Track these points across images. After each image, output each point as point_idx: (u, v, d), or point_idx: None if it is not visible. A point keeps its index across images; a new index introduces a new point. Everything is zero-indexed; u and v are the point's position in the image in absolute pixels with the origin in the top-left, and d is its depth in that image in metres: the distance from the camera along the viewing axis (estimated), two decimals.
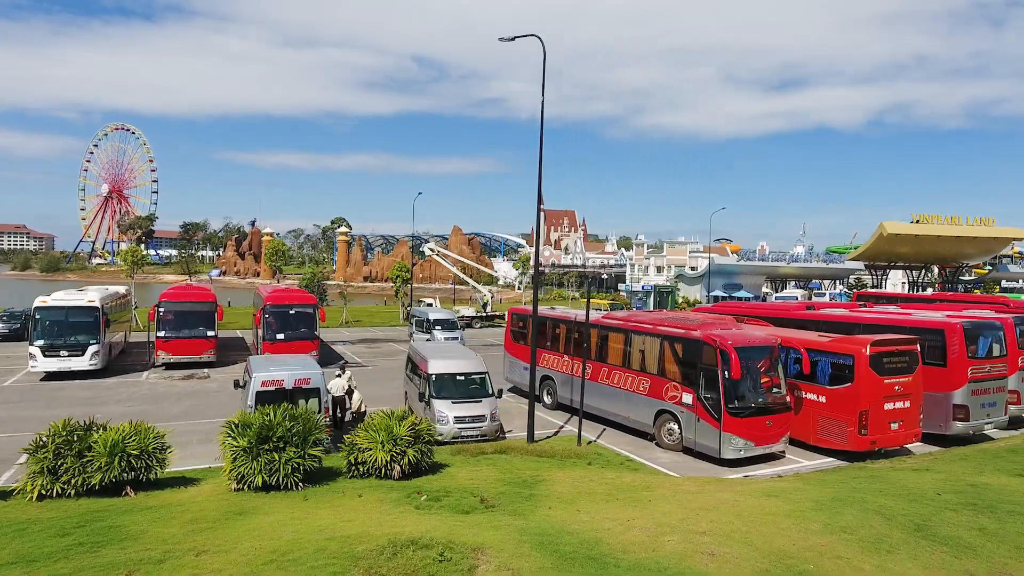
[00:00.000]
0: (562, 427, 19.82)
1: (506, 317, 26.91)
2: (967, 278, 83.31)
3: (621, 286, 78.94)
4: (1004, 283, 76.98)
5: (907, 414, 16.47)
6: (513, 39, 17.30)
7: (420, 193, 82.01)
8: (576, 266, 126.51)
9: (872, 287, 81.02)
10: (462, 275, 49.21)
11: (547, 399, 22.50)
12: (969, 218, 75.46)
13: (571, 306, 61.70)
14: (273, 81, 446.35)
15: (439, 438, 16.80)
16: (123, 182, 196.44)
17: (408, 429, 12.06)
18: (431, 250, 49.16)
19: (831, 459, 16.55)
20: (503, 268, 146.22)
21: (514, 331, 24.91)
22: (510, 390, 24.97)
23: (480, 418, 17.19)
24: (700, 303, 63.50)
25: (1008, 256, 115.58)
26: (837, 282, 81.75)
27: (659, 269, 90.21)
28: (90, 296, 27.70)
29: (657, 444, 17.46)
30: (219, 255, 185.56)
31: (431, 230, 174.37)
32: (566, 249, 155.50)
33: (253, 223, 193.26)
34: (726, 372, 15.55)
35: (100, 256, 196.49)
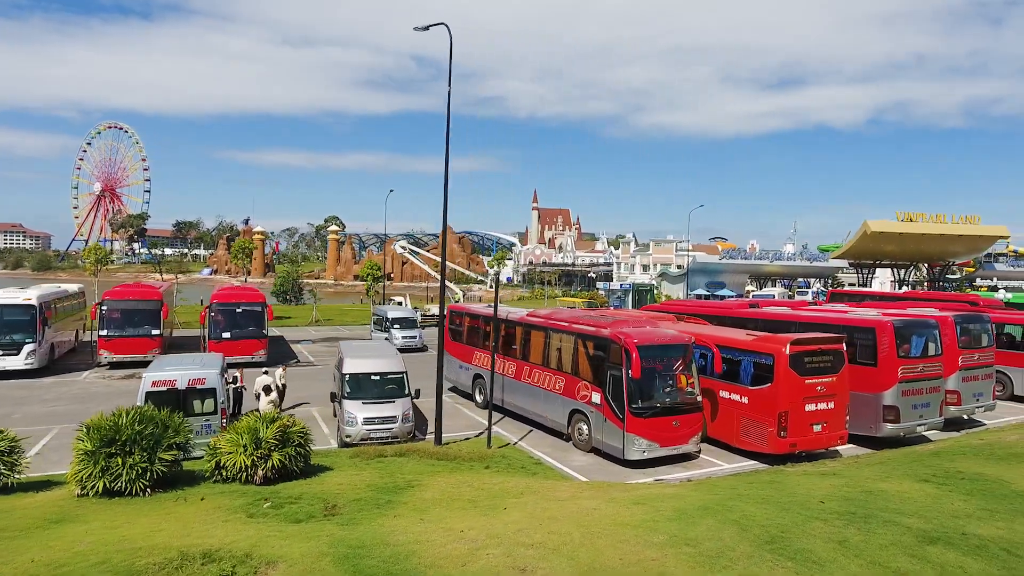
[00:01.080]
0: (489, 429, 19.21)
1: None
2: (955, 276, 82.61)
3: (600, 284, 78.30)
4: (978, 280, 76.22)
5: (831, 416, 15.85)
6: (427, 28, 16.82)
7: (392, 191, 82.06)
8: (567, 264, 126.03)
9: (860, 285, 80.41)
10: (434, 273, 48.54)
11: (479, 398, 22.11)
12: (955, 216, 74.81)
13: (546, 305, 61.11)
14: (272, 80, 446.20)
15: (347, 440, 16.29)
16: (116, 181, 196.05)
17: (276, 432, 11.48)
18: (402, 248, 48.60)
19: (752, 462, 15.98)
20: (495, 267, 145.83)
21: (451, 329, 24.36)
22: (450, 389, 24.48)
23: (391, 419, 16.60)
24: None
25: (1003, 254, 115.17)
26: (826, 281, 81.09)
27: (645, 267, 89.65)
28: (27, 295, 27.18)
29: (574, 445, 16.99)
30: (211, 254, 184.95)
31: (426, 228, 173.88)
32: (560, 248, 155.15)
33: (246, 222, 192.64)
34: (629, 371, 15.10)
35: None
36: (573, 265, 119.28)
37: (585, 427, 16.59)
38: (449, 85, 15.93)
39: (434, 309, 49.41)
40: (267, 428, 11.37)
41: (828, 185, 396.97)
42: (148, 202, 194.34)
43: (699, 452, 16.33)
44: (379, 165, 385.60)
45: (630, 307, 56.55)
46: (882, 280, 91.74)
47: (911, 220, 73.29)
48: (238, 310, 29.28)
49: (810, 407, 15.55)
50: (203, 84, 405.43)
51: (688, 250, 78.65)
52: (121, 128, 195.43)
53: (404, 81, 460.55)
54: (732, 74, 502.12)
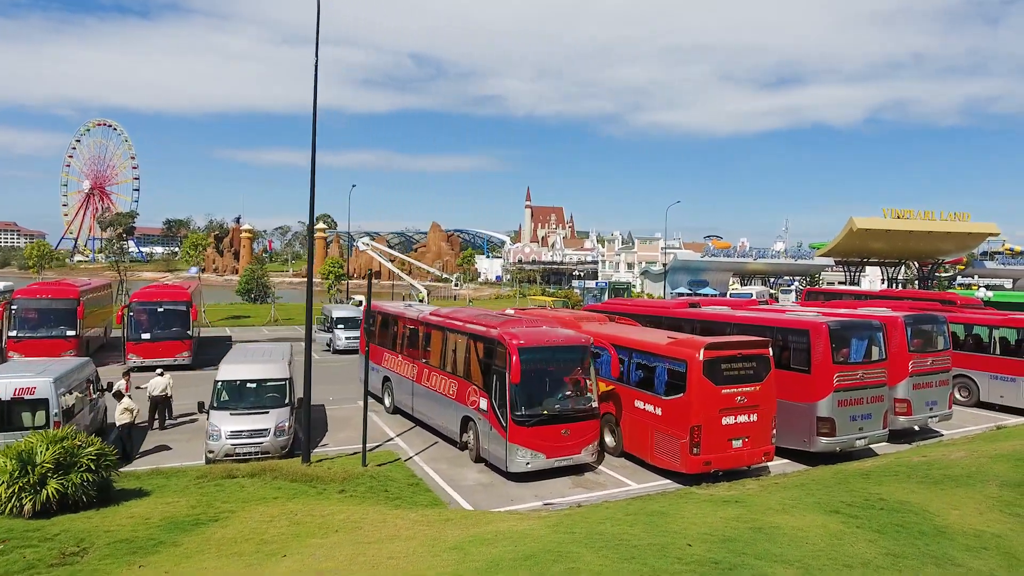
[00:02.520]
0: (391, 439, 17.42)
1: None
2: (946, 274, 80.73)
3: (575, 283, 76.47)
4: (960, 279, 74.30)
5: (754, 429, 14.01)
6: None
7: (354, 186, 79.37)
8: (555, 263, 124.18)
9: (850, 284, 78.50)
10: (398, 271, 46.88)
11: (387, 402, 20.64)
12: (943, 213, 72.89)
13: (518, 304, 59.19)
14: (270, 79, 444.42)
15: (210, 456, 14.49)
16: (105, 179, 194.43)
17: (57, 453, 9.66)
18: (365, 244, 46.91)
19: (666, 481, 14.18)
20: (484, 265, 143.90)
21: (367, 330, 22.58)
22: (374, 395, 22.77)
23: (261, 433, 14.77)
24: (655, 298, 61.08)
25: (999, 252, 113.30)
26: (813, 278, 79.17)
27: (630, 265, 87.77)
28: None
29: (470, 457, 15.38)
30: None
31: (420, 227, 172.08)
32: (553, 246, 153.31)
33: (238, 220, 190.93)
34: (509, 374, 13.68)
35: (82, 253, 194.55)
36: (561, 263, 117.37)
37: (475, 436, 15.12)
38: (316, 57, 14.05)
39: None
40: (46, 449, 9.56)
41: (826, 184, 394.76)
42: (137, 200, 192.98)
43: (596, 462, 14.94)
44: (378, 163, 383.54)
45: None
46: (872, 278, 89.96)
47: (898, 216, 71.45)
48: (159, 309, 27.50)
49: (728, 420, 13.71)
50: (202, 83, 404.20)
51: (664, 248, 76.79)
52: (110, 126, 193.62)
53: (403, 80, 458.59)
54: (730, 73, 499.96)
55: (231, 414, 14.88)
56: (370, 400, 21.78)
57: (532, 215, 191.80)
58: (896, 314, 17.71)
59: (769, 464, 15.49)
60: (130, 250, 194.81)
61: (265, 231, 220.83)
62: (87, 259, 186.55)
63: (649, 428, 14.59)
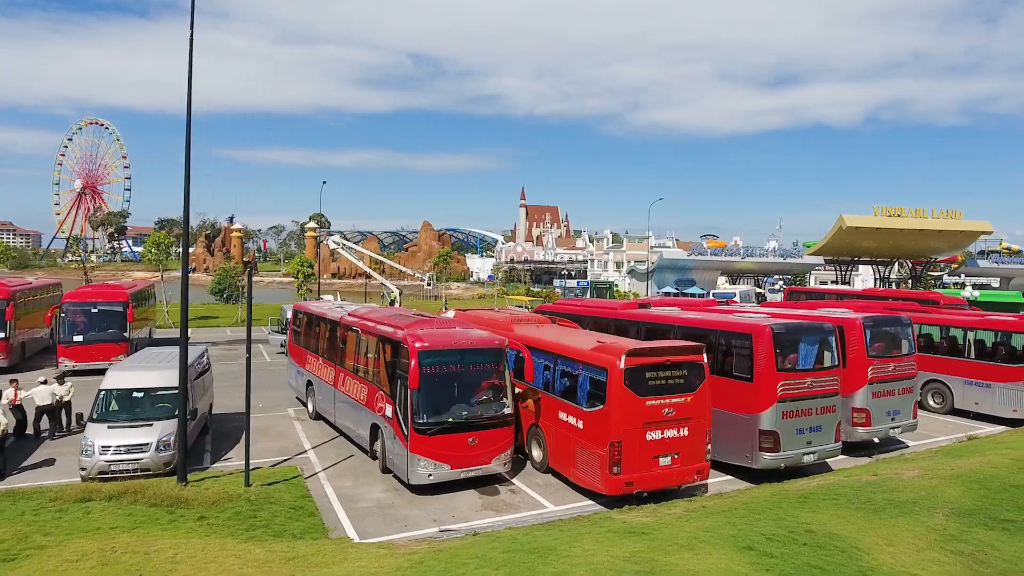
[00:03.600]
0: (304, 451, 15.98)
1: None
2: (937, 273, 79.24)
3: (556, 282, 74.96)
4: (946, 278, 72.76)
5: (685, 445, 12.55)
6: None
7: (324, 183, 78.95)
8: (547, 262, 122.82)
9: (841, 283, 77.00)
10: (368, 270, 45.48)
11: (310, 407, 19.39)
12: (935, 210, 71.40)
13: (496, 304, 57.73)
14: (269, 78, 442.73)
15: (83, 473, 13.06)
16: (97, 178, 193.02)
17: None
18: (335, 243, 45.50)
19: (589, 502, 12.76)
20: (476, 264, 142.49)
21: (293, 331, 21.27)
22: (296, 398, 21.45)
23: (140, 448, 13.31)
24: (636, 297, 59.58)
25: (996, 251, 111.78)
26: (795, 278, 77.65)
27: (618, 264, 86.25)
28: None
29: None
30: (192, 251, 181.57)
31: (415, 226, 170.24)
32: (545, 245, 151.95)
33: (231, 219, 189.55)
34: (415, 379, 12.65)
35: (73, 253, 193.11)
36: (551, 263, 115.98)
37: (382, 445, 14.09)
38: (191, 28, 12.58)
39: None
40: None
41: (826, 183, 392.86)
42: (129, 200, 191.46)
43: (507, 471, 13.90)
44: (377, 163, 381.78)
45: None
46: (865, 277, 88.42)
47: (889, 214, 69.96)
48: (93, 310, 26.10)
49: (654, 435, 12.26)
50: (200, 82, 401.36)
51: (652, 247, 75.43)
52: (102, 124, 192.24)
53: (401, 79, 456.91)
54: (730, 72, 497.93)
55: (109, 427, 13.45)
56: (298, 407, 20.56)
57: (527, 214, 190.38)
58: (854, 316, 16.24)
59: (708, 482, 14.06)
60: (123, 249, 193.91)
61: (260, 230, 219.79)
62: (78, 259, 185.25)
63: (572, 442, 13.16)
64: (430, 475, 12.83)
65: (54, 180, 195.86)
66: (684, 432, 12.52)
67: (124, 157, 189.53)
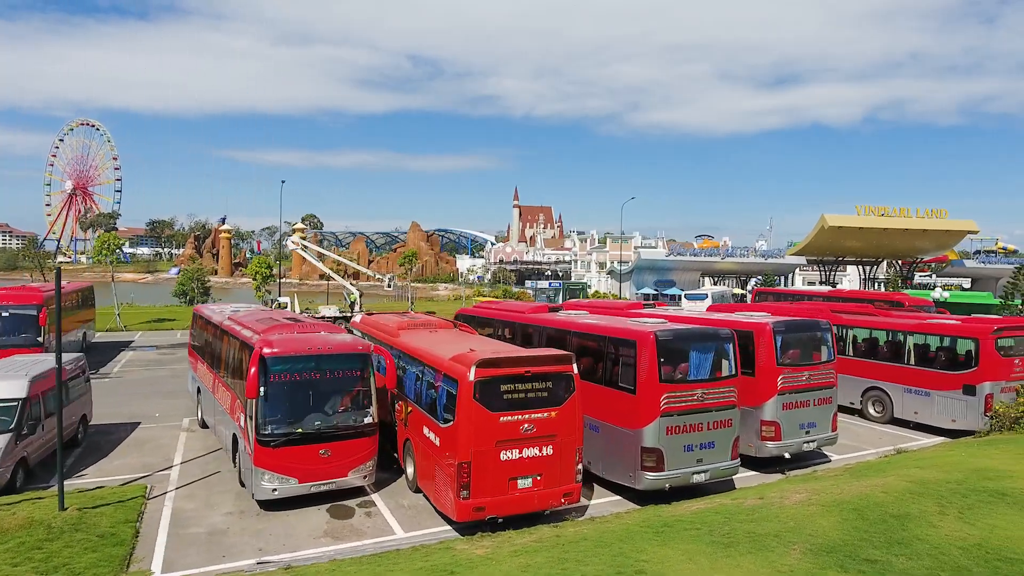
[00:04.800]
0: (169, 467, 14.76)
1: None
2: (927, 274, 77.87)
3: (528, 283, 73.58)
4: (917, 278, 71.35)
5: (548, 465, 11.32)
6: None
7: (284, 182, 77.34)
8: (535, 263, 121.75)
9: (826, 283, 75.66)
10: (328, 271, 44.31)
11: (199, 415, 18.38)
12: (919, 210, 70.06)
13: (469, 305, 56.42)
14: (268, 79, 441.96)
15: None
16: (87, 179, 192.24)
17: None
18: (294, 243, 44.36)
19: (445, 528, 11.54)
20: (466, 265, 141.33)
21: (191, 335, 20.12)
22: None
23: None
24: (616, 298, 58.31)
25: (992, 251, 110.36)
26: (784, 278, 76.27)
27: (601, 265, 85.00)
28: None
29: None
30: (180, 253, 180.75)
31: (405, 227, 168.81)
32: (534, 245, 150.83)
33: (223, 220, 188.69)
34: (261, 387, 11.85)
35: (65, 254, 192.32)
36: (538, 263, 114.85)
37: (239, 457, 13.24)
38: None
39: (325, 311, 44.96)
40: None
41: (826, 183, 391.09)
42: (119, 201, 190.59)
43: (370, 484, 13.16)
44: (377, 163, 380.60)
45: None
46: (852, 278, 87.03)
47: (871, 213, 68.62)
48: (3, 314, 24.90)
49: (509, 454, 11.02)
50: (199, 83, 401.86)
51: (637, 247, 74.16)
52: (93, 125, 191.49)
53: (400, 80, 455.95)
54: (729, 72, 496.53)
55: None
56: (195, 417, 19.36)
57: (520, 215, 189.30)
58: (764, 321, 14.97)
59: (594, 503, 12.87)
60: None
61: (253, 232, 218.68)
62: (69, 260, 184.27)
63: (432, 461, 11.96)
64: (275, 490, 11.97)
65: (45, 181, 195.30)
66: (548, 451, 11.28)
67: (115, 159, 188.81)
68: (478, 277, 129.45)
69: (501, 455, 10.93)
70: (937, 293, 36.95)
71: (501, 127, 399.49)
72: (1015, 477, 11.07)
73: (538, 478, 11.24)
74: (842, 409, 20.76)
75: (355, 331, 18.59)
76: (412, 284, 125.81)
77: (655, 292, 67.38)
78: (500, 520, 11.15)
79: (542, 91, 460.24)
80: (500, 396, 10.97)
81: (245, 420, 12.46)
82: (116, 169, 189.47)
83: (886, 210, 69.73)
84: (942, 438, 17.71)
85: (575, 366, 11.67)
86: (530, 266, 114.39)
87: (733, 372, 13.12)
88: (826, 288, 51.57)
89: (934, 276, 71.98)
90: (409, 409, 13.38)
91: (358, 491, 13.15)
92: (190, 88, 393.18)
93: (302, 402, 12.39)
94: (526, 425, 11.08)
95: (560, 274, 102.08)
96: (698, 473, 12.61)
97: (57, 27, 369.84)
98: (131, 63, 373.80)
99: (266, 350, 12.21)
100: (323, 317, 43.72)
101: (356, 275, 69.57)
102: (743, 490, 12.63)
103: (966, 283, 66.13)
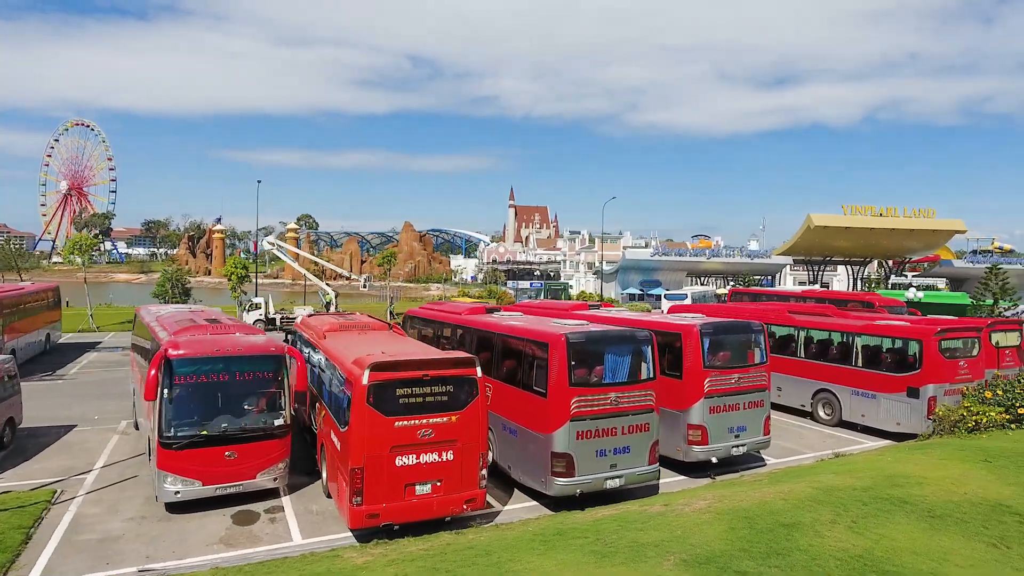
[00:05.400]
0: (90, 470, 14.54)
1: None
2: (912, 273, 77.47)
3: (510, 283, 73.32)
4: (894, 279, 70.84)
5: (449, 471, 11.06)
6: None
7: (260, 182, 76.16)
8: (527, 263, 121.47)
9: (814, 283, 75.35)
10: (304, 271, 44.08)
11: (135, 417, 18.25)
12: (906, 209, 69.77)
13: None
14: (268, 80, 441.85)
15: None
16: (82, 179, 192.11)
17: None
18: (270, 244, 44.13)
19: (347, 535, 11.26)
20: (461, 265, 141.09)
21: (133, 335, 19.94)
22: None
23: None
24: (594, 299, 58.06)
25: (988, 251, 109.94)
26: (771, 278, 75.90)
27: (589, 265, 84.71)
28: None
29: None
30: (174, 252, 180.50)
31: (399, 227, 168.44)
32: (528, 246, 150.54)
33: (219, 220, 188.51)
34: (165, 390, 11.83)
35: (60, 254, 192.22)
36: (530, 263, 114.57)
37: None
38: None
39: (299, 311, 44.71)
40: None
41: (825, 182, 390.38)
42: (114, 202, 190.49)
43: (282, 486, 13.00)
44: (377, 163, 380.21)
45: None
46: (842, 278, 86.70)
47: (859, 213, 68.34)
48: None
49: (406, 460, 10.76)
50: (198, 83, 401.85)
51: (625, 247, 73.86)
52: (88, 126, 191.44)
53: (400, 80, 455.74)
54: (728, 72, 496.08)
55: None
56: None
57: (516, 215, 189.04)
58: (691, 323, 14.69)
59: (508, 508, 12.60)
60: (108, 250, 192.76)
61: (250, 232, 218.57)
62: (63, 261, 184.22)
63: (335, 465, 11.73)
64: (178, 492, 11.88)
65: (40, 181, 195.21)
66: (448, 456, 11.03)
67: (110, 159, 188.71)
68: (472, 277, 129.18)
69: (397, 460, 10.68)
70: (911, 293, 36.66)
71: (500, 127, 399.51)
72: (925, 484, 10.80)
73: (438, 484, 10.99)
74: (794, 411, 20.68)
75: (298, 332, 18.44)
76: (405, 284, 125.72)
77: (641, 292, 67.13)
78: (396, 527, 10.91)
79: (541, 92, 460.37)
80: (396, 400, 10.72)
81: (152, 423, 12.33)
82: (111, 170, 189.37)
83: (872, 209, 69.47)
84: (888, 441, 17.45)
85: (478, 369, 11.40)
86: (522, 266, 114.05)
87: (651, 375, 12.85)
88: (800, 288, 51.28)
89: (910, 276, 71.60)
90: (323, 412, 13.19)
91: (271, 495, 12.95)
92: (190, 88, 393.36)
93: (208, 404, 12.26)
94: (424, 430, 10.82)
95: (552, 274, 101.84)
96: (612, 479, 12.34)
97: (57, 27, 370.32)
98: (131, 63, 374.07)
99: (171, 352, 12.14)
100: (294, 318, 43.58)
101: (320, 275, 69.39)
102: (653, 497, 12.31)
103: (941, 283, 65.74)
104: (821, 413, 19.73)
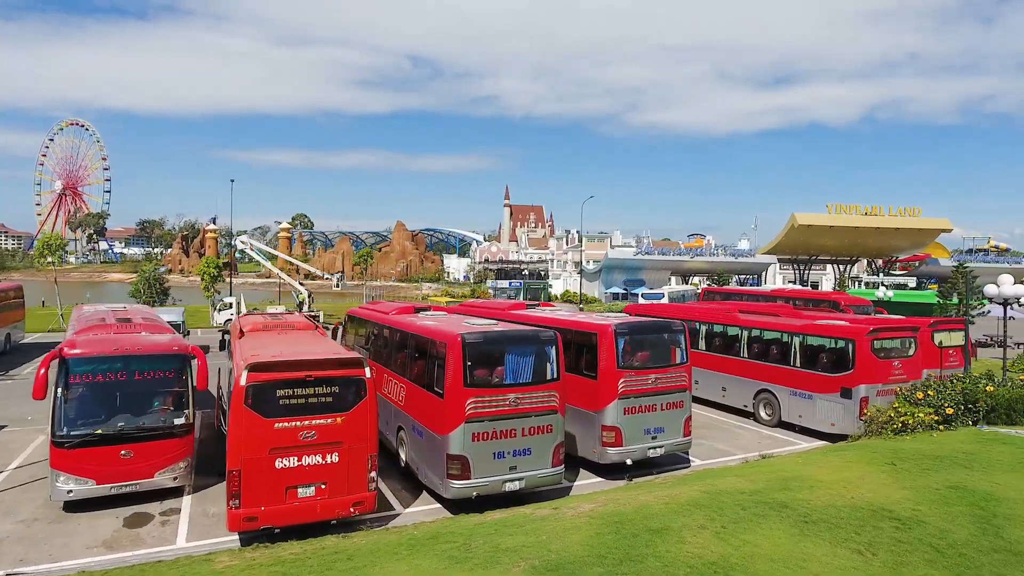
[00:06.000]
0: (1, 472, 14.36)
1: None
2: (902, 272, 77.22)
3: (488, 283, 73.07)
4: (865, 278, 70.65)
5: (334, 473, 10.88)
6: None
7: (232, 181, 74.69)
8: (516, 262, 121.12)
9: (799, 282, 75.13)
10: (276, 270, 43.93)
11: None
12: (891, 208, 69.58)
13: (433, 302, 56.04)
14: (268, 80, 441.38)
15: None
16: (77, 179, 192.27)
17: None
18: (242, 243, 44.01)
19: (233, 537, 11.08)
20: (453, 264, 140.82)
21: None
22: None
23: None
24: (573, 298, 57.92)
25: (984, 250, 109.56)
26: (756, 277, 75.68)
27: (576, 264, 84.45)
28: None
29: None
30: (168, 252, 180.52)
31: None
32: (519, 245, 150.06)
33: (214, 220, 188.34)
34: (60, 388, 11.93)
35: (53, 254, 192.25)
36: (520, 263, 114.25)
37: None
38: None
39: (272, 310, 44.57)
40: None
41: (824, 182, 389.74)
42: (108, 202, 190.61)
43: (187, 485, 13.09)
44: (375, 164, 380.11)
45: None
46: (831, 276, 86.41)
47: (843, 212, 68.14)
48: None
49: (286, 462, 10.58)
50: (198, 83, 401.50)
51: (619, 246, 73.67)
52: (82, 125, 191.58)
53: (400, 80, 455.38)
54: (728, 72, 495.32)
55: None
56: None
57: (511, 214, 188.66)
58: (606, 323, 14.49)
59: (410, 511, 12.41)
60: (103, 249, 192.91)
61: (245, 231, 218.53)
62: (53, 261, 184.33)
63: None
64: (71, 491, 11.84)
65: (35, 181, 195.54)
66: (333, 458, 10.85)
67: (104, 159, 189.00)
68: (465, 276, 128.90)
69: (277, 463, 10.50)
70: (881, 292, 36.42)
71: (500, 127, 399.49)
72: (816, 488, 10.59)
73: (322, 487, 10.81)
74: (738, 412, 20.49)
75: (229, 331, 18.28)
76: (397, 284, 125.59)
77: (624, 291, 66.94)
78: (277, 531, 10.73)
79: (541, 92, 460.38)
80: (276, 401, 10.55)
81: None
82: (105, 169, 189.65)
83: (858, 208, 69.27)
84: (823, 442, 17.24)
85: (367, 370, 11.23)
86: (513, 265, 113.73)
87: (556, 376, 12.65)
88: (770, 288, 51.03)
89: (881, 275, 71.30)
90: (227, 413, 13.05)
91: (174, 495, 12.82)
92: (190, 88, 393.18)
93: (104, 403, 12.29)
94: (306, 432, 10.65)
95: (543, 273, 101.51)
96: (511, 482, 12.15)
97: (57, 27, 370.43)
98: (130, 63, 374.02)
99: (66, 351, 12.28)
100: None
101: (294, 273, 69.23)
102: (547, 502, 12.05)
103: (912, 282, 65.51)
104: (762, 414, 19.54)
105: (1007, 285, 18.26)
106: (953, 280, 36.92)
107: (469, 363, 11.91)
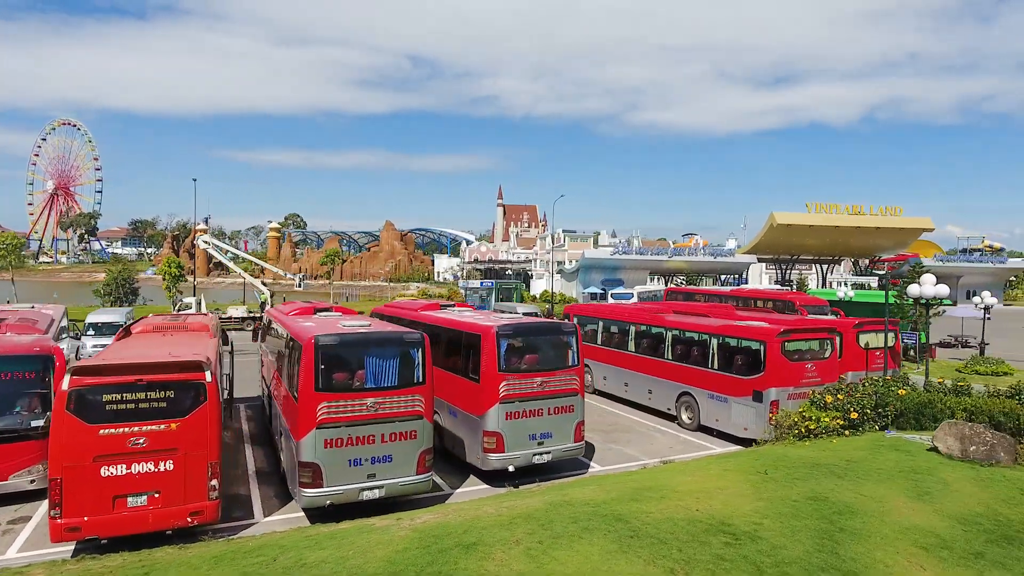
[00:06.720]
0: None
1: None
2: (881, 272, 76.62)
3: (460, 283, 72.56)
4: (851, 279, 70.03)
5: (169, 481, 10.41)
6: None
7: (195, 180, 73.67)
8: (502, 261, 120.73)
9: (781, 282, 74.58)
10: (238, 269, 43.51)
11: None
12: (872, 207, 69.02)
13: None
14: (268, 80, 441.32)
15: None
16: (69, 179, 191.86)
17: None
18: (205, 243, 43.62)
19: (69, 548, 10.62)
20: (444, 264, 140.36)
21: None
22: None
23: None
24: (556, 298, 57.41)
25: (979, 250, 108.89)
26: (737, 277, 75.09)
27: (559, 263, 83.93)
28: None
29: None
30: (157, 253, 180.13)
31: (398, 227, 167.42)
32: (510, 244, 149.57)
33: (207, 220, 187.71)
34: None
35: (47, 253, 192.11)
36: (506, 262, 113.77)
37: None
38: None
39: (233, 311, 44.20)
40: None
41: (824, 182, 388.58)
42: (100, 202, 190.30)
43: (41, 488, 12.03)
44: (375, 163, 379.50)
45: (492, 306, 51.20)
46: (814, 276, 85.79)
47: (823, 211, 67.57)
48: None
49: (114, 470, 10.12)
50: (198, 83, 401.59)
51: (603, 244, 73.07)
52: (74, 125, 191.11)
53: (399, 80, 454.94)
54: (728, 72, 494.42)
55: None
56: None
57: (504, 213, 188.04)
58: (489, 324, 14.02)
59: (261, 520, 11.93)
60: (96, 249, 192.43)
61: (240, 231, 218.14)
62: (51, 260, 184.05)
63: None
64: None
65: (28, 180, 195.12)
66: (168, 466, 10.38)
67: (96, 159, 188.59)
68: (454, 276, 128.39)
69: (102, 471, 10.04)
70: (842, 292, 35.89)
71: (500, 127, 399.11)
72: (666, 498, 10.06)
73: (155, 496, 10.35)
74: (661, 415, 20.00)
75: None
76: (384, 283, 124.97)
77: (602, 291, 66.40)
78: (104, 541, 10.29)
79: (541, 92, 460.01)
80: (102, 407, 10.09)
81: None
82: (97, 170, 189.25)
83: (838, 207, 68.70)
84: (737, 447, 16.76)
85: (208, 374, 10.76)
86: (500, 265, 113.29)
87: (420, 379, 12.18)
88: (728, 288, 50.47)
89: (849, 276, 70.73)
90: None
91: (38, 498, 12.31)
92: (189, 88, 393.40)
93: None
94: (135, 439, 10.18)
95: (530, 273, 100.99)
96: (369, 490, 11.67)
97: (56, 27, 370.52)
98: (130, 63, 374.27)
99: None
100: (229, 317, 43.09)
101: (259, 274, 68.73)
102: (404, 512, 11.47)
103: (874, 281, 64.85)
104: (684, 417, 19.07)
105: (928, 285, 17.75)
106: (909, 279, 36.35)
107: (323, 366, 11.45)
